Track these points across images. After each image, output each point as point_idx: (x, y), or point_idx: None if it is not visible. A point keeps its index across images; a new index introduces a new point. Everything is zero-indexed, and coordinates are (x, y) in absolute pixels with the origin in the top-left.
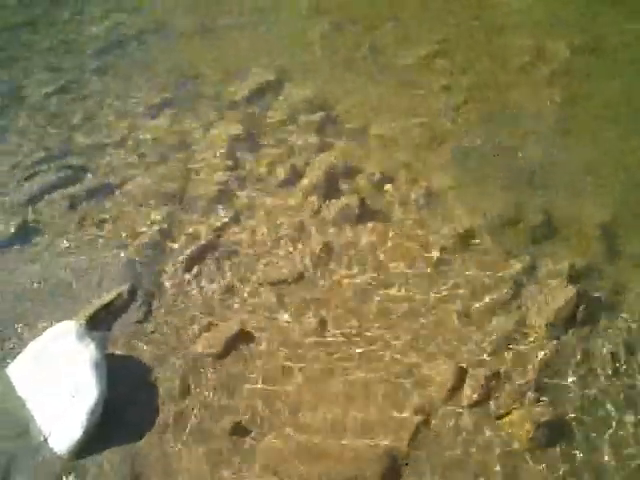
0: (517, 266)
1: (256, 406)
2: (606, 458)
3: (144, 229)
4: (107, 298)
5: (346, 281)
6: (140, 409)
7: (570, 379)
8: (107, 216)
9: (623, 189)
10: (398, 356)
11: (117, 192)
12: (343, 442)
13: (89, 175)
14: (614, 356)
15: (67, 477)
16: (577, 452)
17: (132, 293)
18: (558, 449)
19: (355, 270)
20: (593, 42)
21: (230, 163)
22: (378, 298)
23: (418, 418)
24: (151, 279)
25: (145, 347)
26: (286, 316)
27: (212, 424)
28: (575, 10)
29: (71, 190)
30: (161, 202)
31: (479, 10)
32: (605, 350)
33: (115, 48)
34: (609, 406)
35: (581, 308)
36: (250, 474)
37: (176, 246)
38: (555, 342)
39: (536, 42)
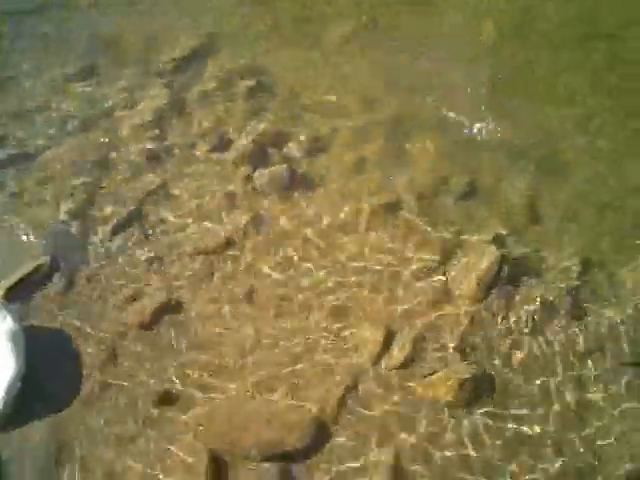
0: (443, 232)
1: (184, 375)
2: (525, 412)
3: (67, 198)
4: (26, 269)
5: (274, 250)
6: (63, 381)
7: (492, 339)
8: (27, 184)
9: (544, 158)
10: (326, 322)
11: (38, 160)
12: (271, 407)
13: (8, 143)
14: (533, 315)
15: None
16: (498, 409)
17: (53, 264)
18: (481, 406)
19: (284, 239)
20: (519, 22)
21: (157, 131)
22: (306, 266)
23: (346, 381)
24: (74, 249)
25: (67, 318)
26: (214, 285)
27: (139, 394)
28: None
29: None
30: (85, 170)
31: None
32: (525, 310)
33: (32, 12)
34: (529, 364)
35: (503, 270)
36: (178, 443)
37: (100, 215)
38: (478, 304)
39: (463, 21)
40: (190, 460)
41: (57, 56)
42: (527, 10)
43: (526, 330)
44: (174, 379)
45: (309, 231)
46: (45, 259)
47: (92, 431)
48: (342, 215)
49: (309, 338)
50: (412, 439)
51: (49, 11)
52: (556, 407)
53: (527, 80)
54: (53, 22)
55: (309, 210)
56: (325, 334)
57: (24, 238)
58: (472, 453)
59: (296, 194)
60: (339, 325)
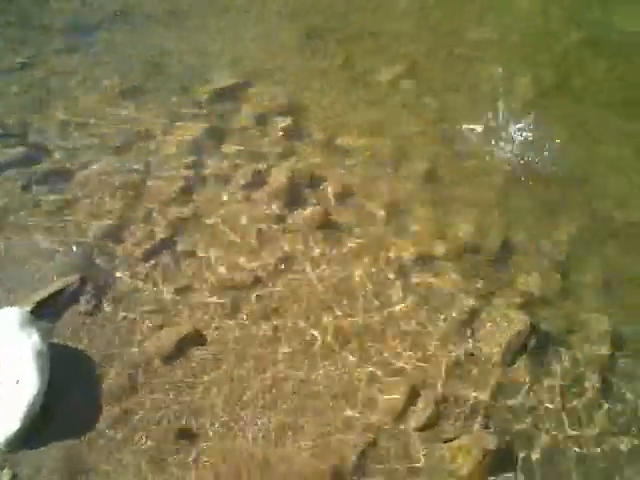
0: (472, 292)
1: (203, 412)
2: None
3: (99, 218)
4: (55, 287)
5: (303, 291)
6: (83, 405)
7: (519, 408)
8: (62, 201)
9: (580, 223)
10: (350, 373)
11: (74, 177)
12: (289, 456)
13: (46, 157)
14: (562, 388)
15: (3, 469)
16: None
17: (82, 284)
18: (503, 478)
19: (312, 281)
20: (561, 79)
21: (192, 160)
22: (334, 311)
23: (366, 437)
24: (103, 271)
25: (92, 341)
26: (239, 322)
27: (157, 427)
28: (545, 46)
29: (26, 171)
30: (119, 193)
31: (453, 36)
32: (554, 382)
33: (81, 29)
34: (555, 437)
35: (533, 338)
36: None
37: (131, 240)
38: (506, 370)
39: (503, 74)
40: None
41: (102, 73)
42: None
43: (554, 403)
44: (193, 415)
45: (337, 276)
46: (74, 278)
47: (108, 460)
48: (369, 265)
49: (331, 389)
50: None
51: (108, 24)
52: None
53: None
54: (106, 38)
55: (338, 255)
56: (347, 386)
57: (54, 255)
58: None
59: (327, 236)
60: (362, 379)
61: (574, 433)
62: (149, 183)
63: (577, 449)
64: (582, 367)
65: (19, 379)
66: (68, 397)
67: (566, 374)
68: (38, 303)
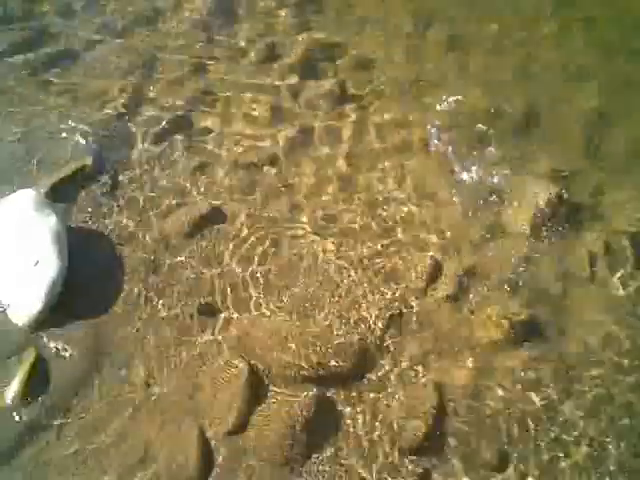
0: (498, 164)
1: (226, 286)
2: (575, 359)
3: (110, 100)
4: (70, 169)
5: (321, 166)
6: (104, 284)
7: (546, 279)
8: (71, 84)
9: (608, 91)
10: (375, 246)
11: (82, 60)
12: (315, 327)
13: (52, 40)
14: (591, 258)
15: (28, 348)
16: (549, 351)
17: (97, 166)
18: (530, 346)
19: (332, 155)
20: None
21: (204, 37)
22: (354, 185)
23: (393, 308)
24: (117, 152)
25: (110, 222)
26: (257, 199)
27: (180, 303)
28: None
29: (32, 55)
30: (129, 73)
31: None
32: (583, 252)
33: None
34: (583, 308)
35: (561, 208)
36: (217, 355)
37: (144, 119)
38: (533, 241)
39: None
40: (230, 372)
41: None
42: None
43: (583, 273)
44: (216, 290)
45: (357, 148)
46: (89, 160)
47: (132, 338)
48: (394, 134)
49: (357, 261)
50: (458, 375)
51: None
52: (610, 355)
53: None
54: None
55: (358, 127)
56: (373, 259)
57: (68, 137)
58: (515, 394)
59: (345, 110)
60: (388, 251)
61: (604, 304)
62: (160, 61)
63: (606, 319)
64: (612, 235)
65: (38, 260)
66: (90, 277)
67: (595, 243)
68: (53, 185)
